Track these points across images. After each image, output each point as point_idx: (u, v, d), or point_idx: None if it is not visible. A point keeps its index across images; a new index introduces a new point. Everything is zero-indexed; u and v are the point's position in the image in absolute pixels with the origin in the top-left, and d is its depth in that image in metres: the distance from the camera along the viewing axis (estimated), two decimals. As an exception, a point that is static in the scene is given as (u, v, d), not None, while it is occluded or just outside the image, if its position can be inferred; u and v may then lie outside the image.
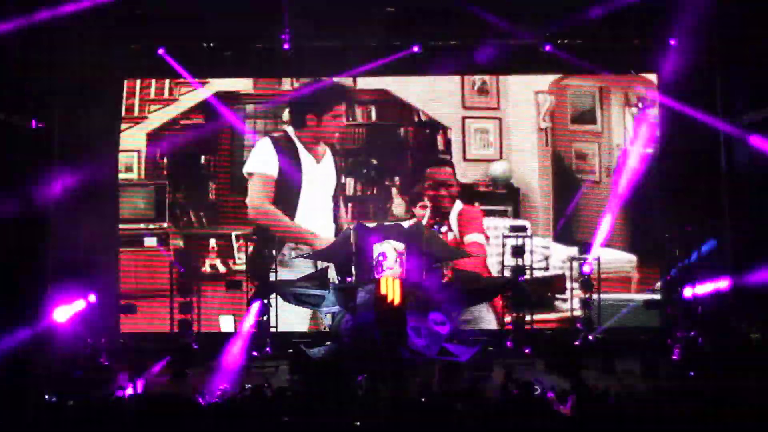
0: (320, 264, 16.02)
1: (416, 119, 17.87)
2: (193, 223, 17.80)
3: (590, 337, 16.43)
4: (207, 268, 17.64)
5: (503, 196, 17.73)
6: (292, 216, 17.47)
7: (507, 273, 16.70)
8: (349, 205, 17.70)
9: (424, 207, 17.38)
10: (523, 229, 17.05)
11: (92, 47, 16.56)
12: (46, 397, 11.10)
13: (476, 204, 17.57)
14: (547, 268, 17.45)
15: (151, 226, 17.69)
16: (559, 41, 16.99)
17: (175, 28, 16.68)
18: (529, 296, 16.48)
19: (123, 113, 17.74)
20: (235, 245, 17.62)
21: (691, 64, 16.36)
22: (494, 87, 17.79)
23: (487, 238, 17.39)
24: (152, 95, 17.87)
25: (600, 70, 17.39)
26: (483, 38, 17.01)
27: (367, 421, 9.37)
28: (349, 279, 15.05)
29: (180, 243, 17.70)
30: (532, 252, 16.90)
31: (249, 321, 15.96)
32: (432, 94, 17.83)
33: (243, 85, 17.85)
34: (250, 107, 17.85)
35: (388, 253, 15.65)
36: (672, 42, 16.73)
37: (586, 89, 17.87)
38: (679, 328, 15.86)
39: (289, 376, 14.55)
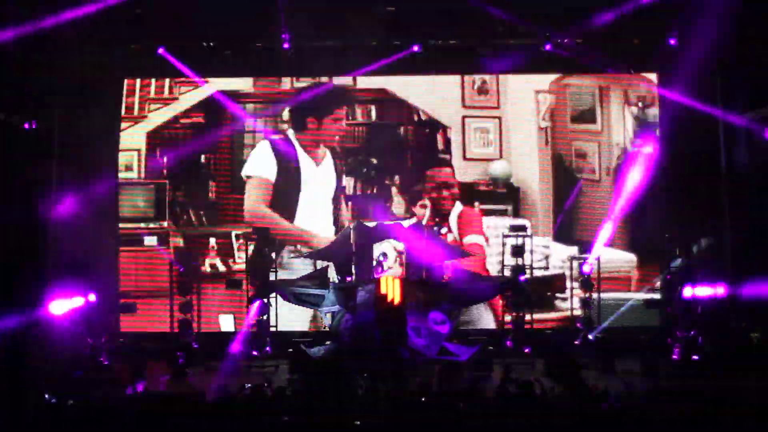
0: (320, 263, 16.02)
1: (416, 118, 17.87)
2: (193, 223, 17.79)
3: (590, 337, 16.44)
4: (207, 268, 17.63)
5: (503, 195, 17.72)
6: (290, 219, 17.47)
7: (507, 272, 16.71)
8: (349, 204, 17.68)
9: (423, 206, 17.40)
10: (523, 228, 17.05)
11: (92, 47, 16.55)
12: (46, 397, 11.09)
13: (476, 205, 17.57)
14: (547, 268, 17.45)
15: (151, 225, 17.67)
16: (559, 40, 17.00)
17: (175, 27, 16.66)
18: (529, 296, 16.48)
19: (123, 112, 17.74)
20: (235, 244, 17.62)
21: (692, 63, 16.36)
22: (494, 86, 17.79)
23: (487, 240, 17.40)
24: (152, 94, 17.87)
25: (603, 68, 17.38)
26: (483, 37, 17.05)
27: (367, 420, 9.38)
28: (349, 278, 15.04)
29: (180, 242, 17.69)
30: (532, 251, 16.90)
31: (249, 318, 15.97)
32: (432, 94, 17.82)
33: (243, 84, 17.84)
34: (250, 107, 17.85)
35: (389, 252, 15.68)
36: (672, 42, 16.73)
37: (586, 88, 17.86)
38: (679, 327, 15.86)
39: (289, 376, 14.53)
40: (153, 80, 17.79)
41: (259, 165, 17.52)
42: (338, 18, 16.41)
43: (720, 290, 15.88)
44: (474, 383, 12.10)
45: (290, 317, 16.70)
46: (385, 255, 15.53)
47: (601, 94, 17.80)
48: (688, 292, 16.04)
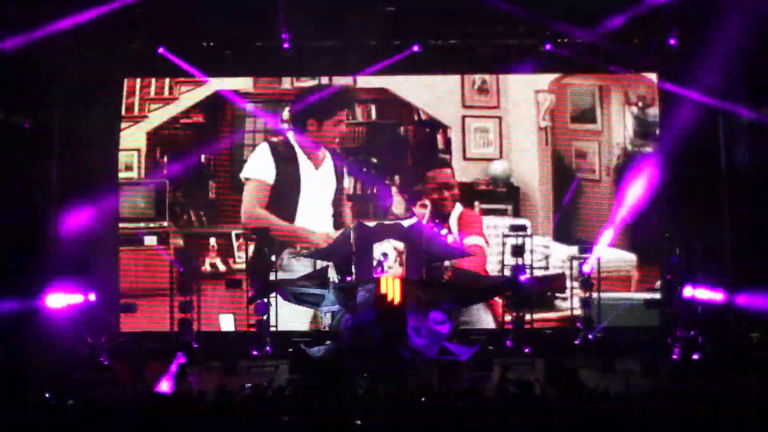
0: (320, 263, 16.02)
1: (416, 118, 17.87)
2: (193, 222, 17.79)
3: (590, 336, 16.44)
4: (207, 267, 17.63)
5: (503, 195, 17.71)
6: (290, 222, 17.46)
7: (507, 272, 16.71)
8: (349, 204, 17.68)
9: (424, 206, 17.39)
10: (523, 228, 17.05)
11: (92, 47, 16.55)
12: (47, 397, 11.09)
13: (476, 205, 17.56)
14: (547, 268, 17.45)
15: (151, 224, 17.67)
16: (559, 40, 17.00)
17: (175, 27, 16.67)
18: (528, 296, 16.47)
19: (123, 112, 17.73)
20: (235, 244, 17.61)
21: (692, 63, 16.38)
22: (494, 86, 17.78)
23: (487, 242, 17.39)
24: (152, 94, 17.86)
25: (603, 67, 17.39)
26: (484, 37, 17.06)
27: (367, 420, 9.38)
28: (349, 278, 15.04)
29: (180, 242, 17.68)
30: (532, 251, 16.90)
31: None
32: (432, 93, 17.82)
33: (243, 84, 17.83)
34: (250, 106, 17.85)
35: (390, 252, 15.67)
36: (672, 41, 16.73)
37: (586, 88, 17.87)
38: (679, 327, 15.86)
39: (289, 376, 14.53)
40: (153, 80, 17.78)
41: (258, 168, 17.52)
42: (338, 18, 16.41)
43: (719, 296, 15.89)
44: (474, 383, 12.09)
45: (290, 317, 16.68)
46: (385, 255, 15.53)
47: (601, 94, 17.80)
48: (688, 292, 16.05)
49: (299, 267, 17.06)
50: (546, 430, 9.49)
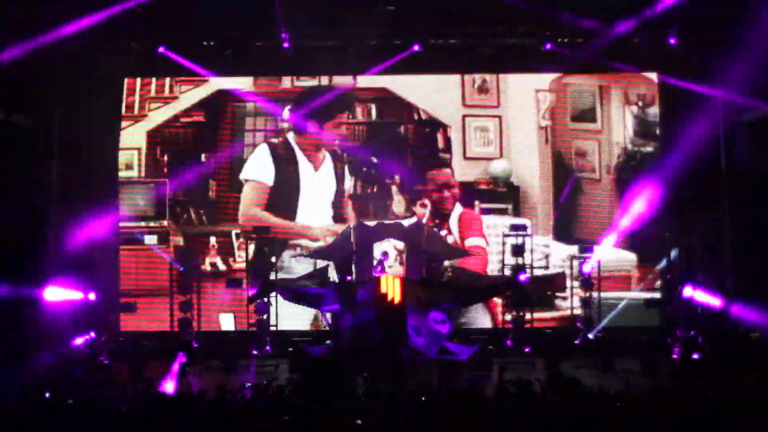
0: (320, 263, 16.01)
1: (416, 117, 17.86)
2: (193, 221, 17.79)
3: (590, 336, 16.44)
4: (207, 266, 17.63)
5: (503, 194, 17.70)
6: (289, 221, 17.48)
7: (507, 272, 16.70)
8: (349, 204, 17.66)
9: (424, 206, 17.39)
10: (523, 227, 17.05)
11: (92, 46, 16.56)
12: (47, 396, 11.09)
13: (476, 205, 17.55)
14: (547, 267, 17.45)
15: (152, 224, 17.66)
16: (559, 39, 17.00)
17: (175, 26, 16.66)
18: (528, 295, 16.47)
19: (123, 111, 17.72)
20: (235, 243, 17.61)
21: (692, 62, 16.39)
22: (494, 85, 17.78)
23: (487, 243, 17.39)
24: (152, 93, 17.86)
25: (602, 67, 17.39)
26: (483, 37, 17.06)
27: (367, 420, 9.37)
28: (349, 278, 15.04)
29: (180, 241, 17.68)
30: (532, 250, 16.90)
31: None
32: (432, 93, 17.81)
33: (243, 83, 17.83)
34: (250, 105, 17.85)
35: (390, 251, 15.67)
36: (672, 41, 16.73)
37: (586, 87, 17.86)
38: (679, 327, 15.86)
39: (289, 375, 14.53)
40: (153, 79, 17.78)
41: (257, 169, 17.51)
42: (338, 18, 16.40)
43: (717, 302, 15.93)
44: (474, 383, 12.08)
45: (290, 316, 16.67)
46: (385, 254, 15.53)
47: (601, 93, 17.80)
48: (688, 292, 16.05)
49: (299, 268, 17.03)
50: (546, 430, 9.48)
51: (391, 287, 13.81)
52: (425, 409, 9.84)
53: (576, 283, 17.02)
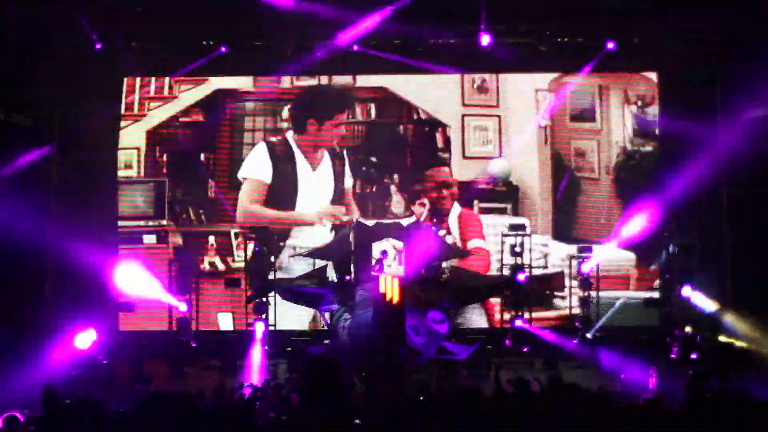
0: (319, 262, 16.02)
1: (415, 117, 17.87)
2: (192, 221, 17.80)
3: (588, 336, 16.45)
4: (206, 266, 17.63)
5: (502, 193, 17.71)
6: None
7: (506, 271, 16.71)
8: (348, 203, 17.67)
9: (422, 205, 17.38)
10: (522, 227, 17.06)
11: (92, 45, 16.57)
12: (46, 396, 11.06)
13: (476, 204, 17.55)
14: (545, 267, 17.45)
15: (151, 223, 17.67)
16: (559, 39, 17.00)
17: (174, 25, 16.67)
18: (527, 295, 16.48)
19: (123, 111, 17.73)
20: (234, 243, 17.62)
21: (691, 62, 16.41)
22: (494, 85, 17.78)
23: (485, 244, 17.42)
24: (152, 93, 17.86)
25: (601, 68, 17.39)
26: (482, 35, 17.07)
27: (366, 420, 9.38)
28: (347, 277, 15.04)
29: (179, 240, 17.68)
30: (531, 250, 16.90)
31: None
32: (431, 92, 17.81)
33: (243, 82, 17.84)
34: (249, 105, 17.85)
35: (389, 250, 15.67)
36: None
37: (585, 87, 17.84)
38: (677, 326, 15.87)
39: (288, 375, 14.55)
40: (153, 79, 17.78)
41: (255, 167, 17.51)
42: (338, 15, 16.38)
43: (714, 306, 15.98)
44: (473, 382, 12.09)
45: (289, 316, 16.67)
46: (384, 252, 15.51)
47: (600, 93, 17.80)
48: (686, 291, 16.07)
49: (297, 268, 17.02)
50: (544, 430, 9.48)
51: (390, 287, 13.79)
52: (423, 409, 9.84)
53: (575, 283, 17.03)
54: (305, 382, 13.12)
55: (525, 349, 16.01)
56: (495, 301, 17.09)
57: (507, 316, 16.73)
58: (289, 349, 15.76)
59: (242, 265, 17.21)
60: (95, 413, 9.73)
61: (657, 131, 17.56)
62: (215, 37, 17.07)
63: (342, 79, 17.75)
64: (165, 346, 15.98)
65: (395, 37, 16.88)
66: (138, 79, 17.74)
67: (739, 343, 15.38)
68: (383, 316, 13.71)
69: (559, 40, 17.06)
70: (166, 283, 16.70)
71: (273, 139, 17.67)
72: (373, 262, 15.18)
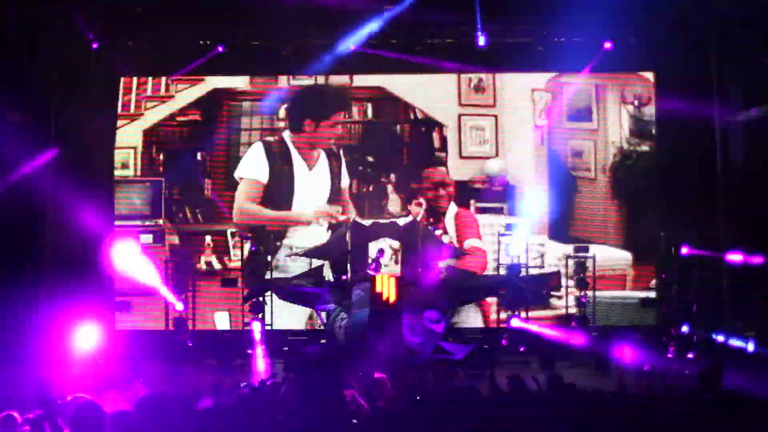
0: (315, 262, 16.01)
1: (412, 116, 17.86)
2: (189, 220, 17.78)
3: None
4: (202, 265, 17.62)
5: (499, 193, 17.71)
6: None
7: (502, 271, 16.71)
8: (345, 202, 17.67)
9: (419, 204, 17.38)
10: (519, 227, 17.05)
11: (89, 44, 16.55)
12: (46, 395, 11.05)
13: (472, 203, 17.54)
14: (542, 266, 17.45)
15: (147, 222, 17.66)
16: (556, 39, 17.01)
17: (172, 24, 16.65)
18: (524, 295, 16.47)
19: (119, 110, 17.71)
20: (231, 242, 17.60)
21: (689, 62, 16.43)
22: (490, 85, 17.78)
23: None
24: (149, 92, 17.85)
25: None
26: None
27: (364, 419, 9.37)
28: (344, 277, 15.04)
29: (175, 240, 17.67)
30: (527, 250, 16.90)
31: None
32: (428, 92, 17.81)
33: (240, 82, 17.83)
34: (246, 105, 17.84)
35: (386, 249, 15.67)
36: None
37: (582, 87, 17.84)
38: (674, 326, 15.88)
39: (284, 375, 14.53)
40: (149, 78, 17.77)
41: (251, 167, 17.48)
42: (337, 15, 16.36)
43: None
44: (469, 382, 12.10)
45: (285, 316, 16.66)
46: (381, 251, 15.49)
47: (597, 93, 17.81)
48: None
49: (294, 267, 17.01)
50: (543, 430, 9.48)
51: (386, 286, 13.83)
52: (421, 408, 9.84)
53: (571, 282, 17.04)
54: (302, 382, 13.15)
55: (521, 349, 16.00)
56: (491, 300, 17.08)
57: (503, 315, 16.73)
58: (286, 348, 15.71)
59: (239, 264, 17.17)
60: (91, 413, 9.73)
61: (654, 131, 17.57)
62: (212, 36, 17.05)
63: (339, 79, 17.72)
64: (161, 346, 15.94)
65: (392, 36, 16.86)
66: (135, 79, 17.72)
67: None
68: (380, 315, 13.73)
69: (555, 40, 17.06)
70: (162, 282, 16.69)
71: (269, 138, 17.65)
72: (371, 260, 15.18)
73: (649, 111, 17.63)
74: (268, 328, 16.26)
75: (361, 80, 17.71)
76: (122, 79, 17.66)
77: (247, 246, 16.90)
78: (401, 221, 16.75)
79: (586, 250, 16.93)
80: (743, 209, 16.26)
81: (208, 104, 17.79)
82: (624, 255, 17.50)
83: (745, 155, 16.41)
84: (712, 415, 9.13)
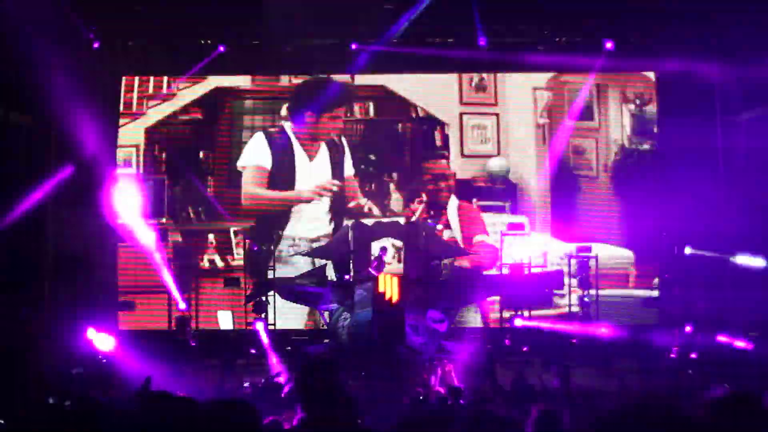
0: (318, 261, 16.02)
1: (414, 115, 17.87)
2: (192, 219, 17.79)
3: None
4: (205, 264, 17.63)
5: (501, 191, 17.71)
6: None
7: (505, 270, 16.72)
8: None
9: (421, 202, 17.37)
10: (521, 226, 17.06)
11: (89, 44, 16.56)
12: (45, 395, 11.07)
13: (474, 202, 17.54)
14: (544, 265, 17.45)
15: (150, 221, 17.65)
16: (557, 39, 17.02)
17: (172, 24, 16.66)
18: (527, 295, 16.47)
19: (121, 109, 17.72)
20: (234, 240, 17.61)
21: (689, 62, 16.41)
22: (492, 83, 17.79)
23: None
24: (150, 91, 17.86)
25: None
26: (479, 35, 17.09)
27: (366, 420, 9.39)
28: (347, 277, 15.03)
29: (178, 238, 17.67)
30: (529, 249, 16.91)
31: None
32: (430, 91, 17.82)
33: (241, 81, 17.83)
34: (248, 103, 17.84)
35: (389, 248, 15.67)
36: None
37: (583, 86, 17.83)
38: (676, 325, 15.89)
39: (287, 374, 14.54)
40: (151, 78, 17.77)
41: (254, 155, 17.40)
42: (337, 15, 16.38)
43: None
44: (474, 382, 12.12)
45: (288, 315, 16.65)
46: (384, 249, 15.47)
47: (598, 92, 17.82)
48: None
49: (297, 259, 17.01)
50: (544, 429, 9.48)
51: (389, 286, 13.80)
52: (424, 408, 9.88)
53: (573, 281, 17.04)
54: (304, 382, 13.15)
55: (525, 348, 16.02)
56: (494, 299, 17.08)
57: (506, 314, 16.74)
58: (288, 348, 15.72)
59: (242, 263, 17.18)
60: (94, 412, 9.74)
61: (655, 129, 17.58)
62: (214, 36, 17.05)
63: (340, 78, 17.73)
64: (164, 345, 15.94)
65: (392, 35, 16.87)
66: (136, 78, 17.72)
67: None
68: (382, 315, 13.72)
69: (556, 40, 17.06)
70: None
71: (271, 129, 17.62)
72: (373, 258, 15.18)
73: (651, 110, 17.63)
74: (271, 327, 16.29)
75: (363, 79, 17.69)
76: (123, 78, 17.65)
77: (249, 245, 16.89)
78: (403, 220, 16.75)
79: (589, 249, 16.90)
80: (744, 209, 16.25)
81: (210, 102, 17.78)
82: (626, 254, 17.51)
83: (745, 155, 16.40)
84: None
